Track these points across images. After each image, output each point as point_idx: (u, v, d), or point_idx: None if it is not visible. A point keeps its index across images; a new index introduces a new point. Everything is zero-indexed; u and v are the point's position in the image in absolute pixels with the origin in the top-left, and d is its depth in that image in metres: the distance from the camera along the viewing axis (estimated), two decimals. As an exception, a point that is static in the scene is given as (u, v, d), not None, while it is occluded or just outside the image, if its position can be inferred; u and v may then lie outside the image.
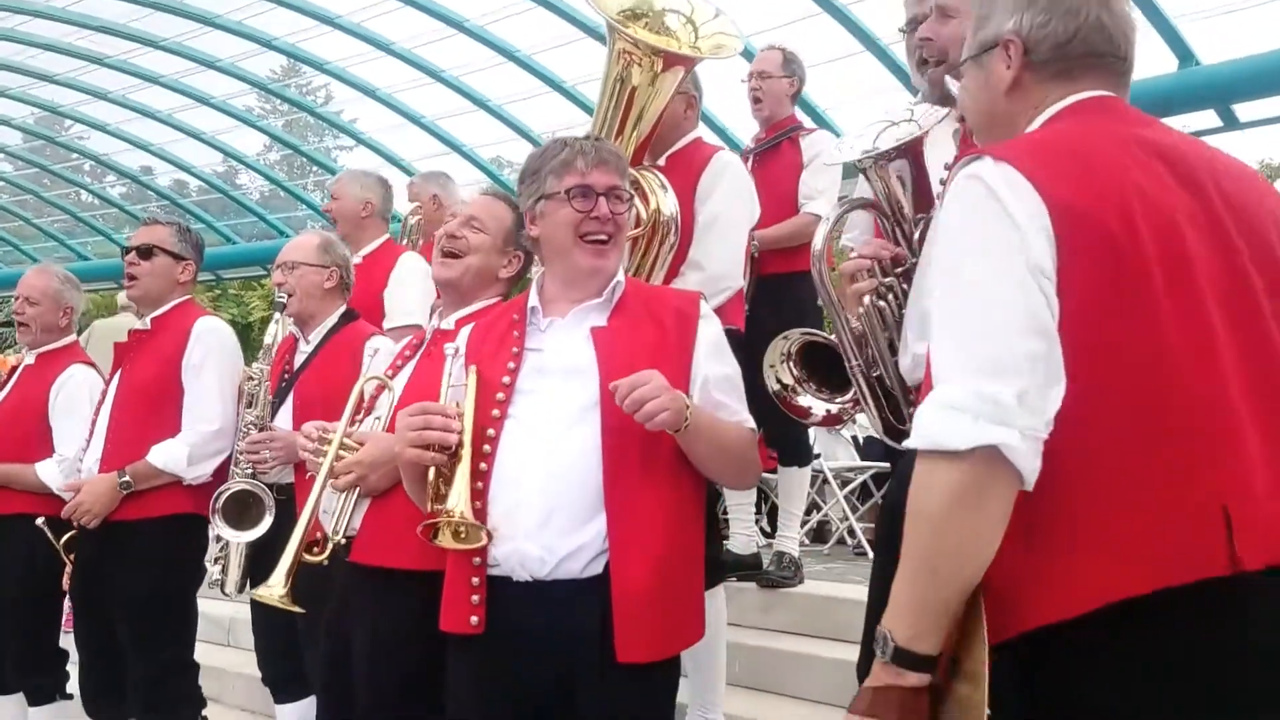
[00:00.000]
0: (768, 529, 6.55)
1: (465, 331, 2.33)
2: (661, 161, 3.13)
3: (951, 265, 1.44)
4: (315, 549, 2.51)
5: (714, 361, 2.17)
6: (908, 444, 1.39)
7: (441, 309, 2.63)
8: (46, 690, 3.86)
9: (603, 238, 2.18)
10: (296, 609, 2.48)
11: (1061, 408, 1.34)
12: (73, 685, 3.88)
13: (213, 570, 3.22)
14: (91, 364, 3.93)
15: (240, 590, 3.20)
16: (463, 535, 2.01)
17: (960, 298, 1.41)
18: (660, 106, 2.82)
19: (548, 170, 2.22)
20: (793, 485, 4.22)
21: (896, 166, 2.07)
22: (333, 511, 2.51)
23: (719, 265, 3.01)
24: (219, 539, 3.15)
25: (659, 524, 2.03)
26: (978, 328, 1.37)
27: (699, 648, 3.07)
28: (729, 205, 3.08)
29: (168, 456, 3.33)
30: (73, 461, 3.67)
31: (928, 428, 1.36)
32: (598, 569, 2.01)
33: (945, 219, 1.50)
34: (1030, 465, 1.33)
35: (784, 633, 3.91)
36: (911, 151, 2.06)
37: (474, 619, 2.05)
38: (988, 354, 1.35)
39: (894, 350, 2.06)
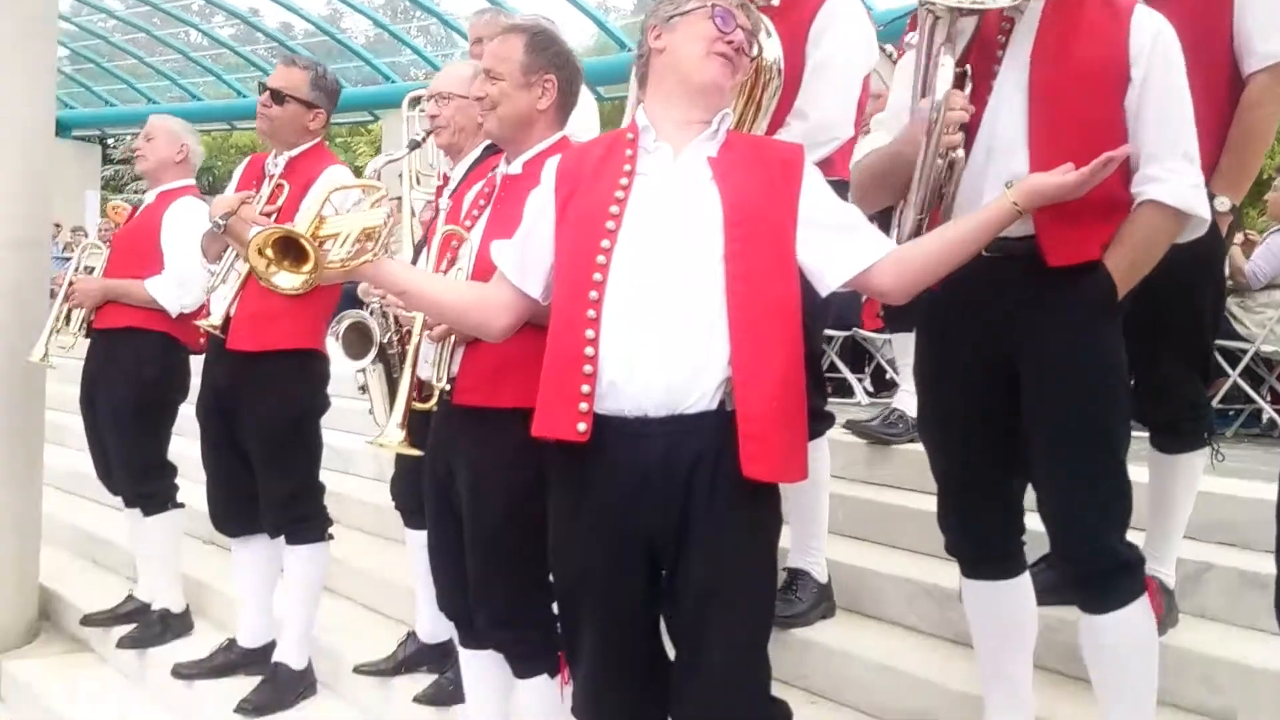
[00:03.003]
0: (870, 389, 6.56)
1: (552, 162, 2.29)
2: (776, 1, 3.01)
3: None
4: (423, 397, 2.59)
5: (829, 203, 2.16)
6: None
7: (505, 156, 2.62)
8: (159, 500, 4.13)
9: (730, 60, 2.18)
10: (416, 451, 2.59)
11: None
12: (183, 496, 4.17)
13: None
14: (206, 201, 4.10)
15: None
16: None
17: None
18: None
19: None
20: (910, 344, 4.17)
21: (964, 24, 2.21)
22: (433, 360, 2.57)
23: (826, 113, 2.91)
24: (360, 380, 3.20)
25: (778, 356, 2.04)
26: None
27: (801, 495, 3.18)
28: (840, 50, 2.94)
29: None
30: (181, 279, 3.91)
31: None
32: (711, 405, 2.03)
33: None
34: None
35: (889, 486, 3.94)
36: (983, 17, 2.23)
37: (581, 425, 2.03)
38: None
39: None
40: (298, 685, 3.61)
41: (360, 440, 5.42)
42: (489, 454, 2.48)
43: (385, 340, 2.87)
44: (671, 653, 2.14)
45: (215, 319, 3.53)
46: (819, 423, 3.19)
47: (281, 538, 3.63)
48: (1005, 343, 2.24)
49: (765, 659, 2.09)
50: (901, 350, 4.27)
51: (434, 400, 2.57)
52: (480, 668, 2.80)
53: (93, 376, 4.18)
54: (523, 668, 2.64)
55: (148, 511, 4.14)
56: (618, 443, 2.04)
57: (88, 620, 4.43)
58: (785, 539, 2.84)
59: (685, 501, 2.03)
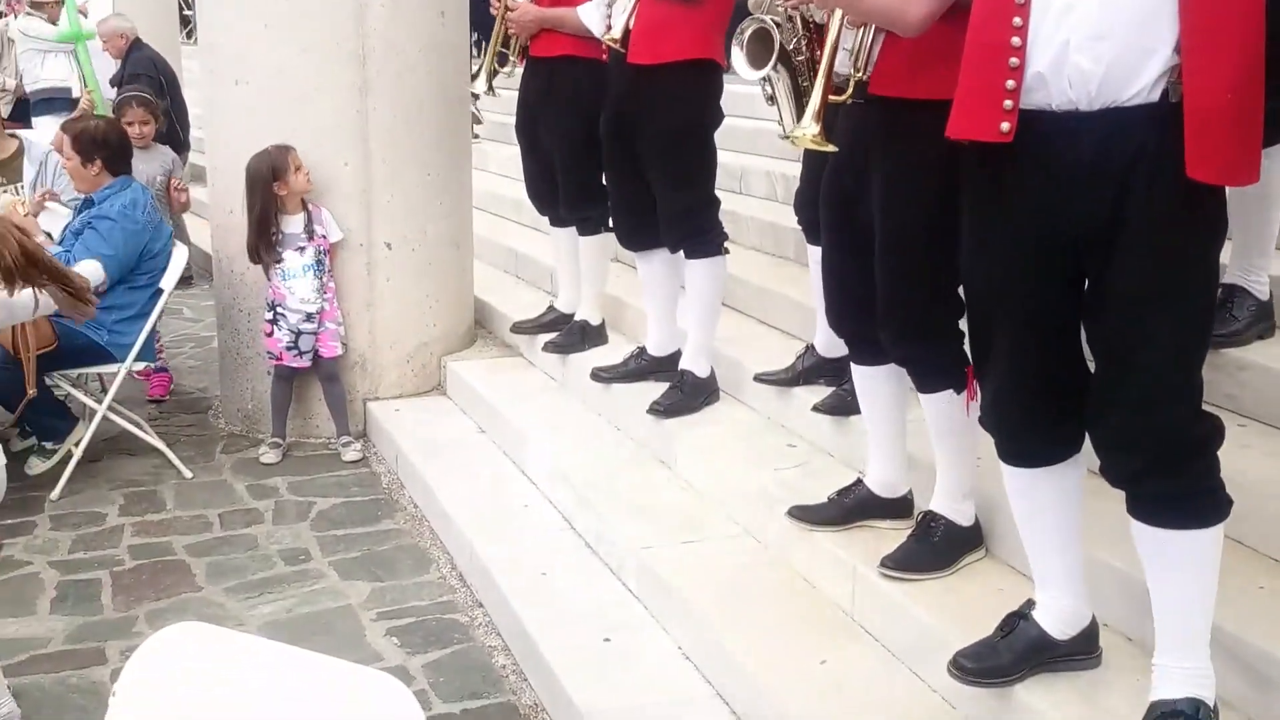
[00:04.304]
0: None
1: None
2: None
3: None
4: (838, 89, 2.47)
5: None
6: None
7: None
8: (593, 223, 4.35)
9: None
10: (830, 147, 2.50)
11: None
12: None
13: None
14: None
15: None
16: None
17: None
18: None
19: None
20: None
21: None
22: (852, 49, 2.45)
23: None
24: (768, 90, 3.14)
25: (1235, 42, 1.78)
26: None
27: (1250, 204, 2.84)
28: None
29: None
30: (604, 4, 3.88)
31: None
32: (1153, 96, 1.81)
33: None
34: None
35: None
36: None
37: (1005, 125, 1.89)
38: None
39: None
40: (703, 391, 3.81)
41: (753, 159, 5.47)
42: (906, 153, 2.40)
43: (792, 47, 2.77)
44: (1092, 367, 2.03)
45: (616, 33, 3.57)
46: None
47: (681, 253, 3.75)
48: None
49: (1199, 372, 1.92)
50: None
51: (849, 93, 2.48)
52: (874, 385, 2.80)
53: (531, 104, 4.34)
54: (927, 383, 2.60)
55: (583, 232, 4.37)
56: (1044, 141, 1.89)
57: (517, 328, 4.88)
58: (1224, 253, 2.56)
59: (1118, 203, 1.86)
